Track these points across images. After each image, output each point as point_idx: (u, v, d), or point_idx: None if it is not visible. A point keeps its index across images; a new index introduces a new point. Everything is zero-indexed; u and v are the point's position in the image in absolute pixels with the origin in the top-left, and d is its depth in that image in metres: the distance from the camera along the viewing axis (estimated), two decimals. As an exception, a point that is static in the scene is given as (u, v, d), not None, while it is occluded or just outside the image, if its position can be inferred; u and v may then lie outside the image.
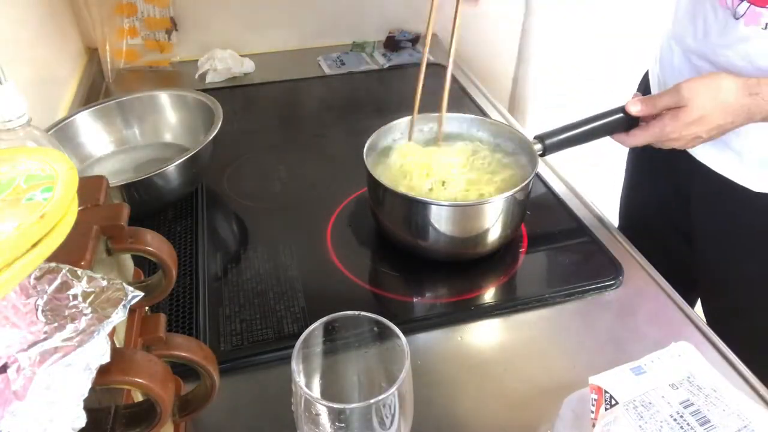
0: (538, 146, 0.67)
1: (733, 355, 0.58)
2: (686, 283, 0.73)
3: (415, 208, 0.63)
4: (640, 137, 0.65)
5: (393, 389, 0.37)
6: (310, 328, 0.40)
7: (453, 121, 0.75)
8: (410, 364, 0.39)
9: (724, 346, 0.59)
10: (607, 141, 0.69)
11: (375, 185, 0.65)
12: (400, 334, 0.40)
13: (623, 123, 0.66)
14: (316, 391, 0.43)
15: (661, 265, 0.69)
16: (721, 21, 0.64)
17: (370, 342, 0.43)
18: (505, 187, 0.67)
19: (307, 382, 0.42)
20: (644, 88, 0.85)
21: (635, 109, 0.65)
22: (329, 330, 0.42)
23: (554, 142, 0.67)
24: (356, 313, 0.42)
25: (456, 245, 0.65)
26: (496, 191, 0.66)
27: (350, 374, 0.46)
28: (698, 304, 0.85)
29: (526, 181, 0.63)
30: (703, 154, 0.71)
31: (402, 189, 0.65)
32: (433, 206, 0.62)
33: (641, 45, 1.47)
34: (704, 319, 0.62)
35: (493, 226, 0.64)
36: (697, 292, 0.85)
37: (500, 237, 0.66)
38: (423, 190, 0.66)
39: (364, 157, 0.66)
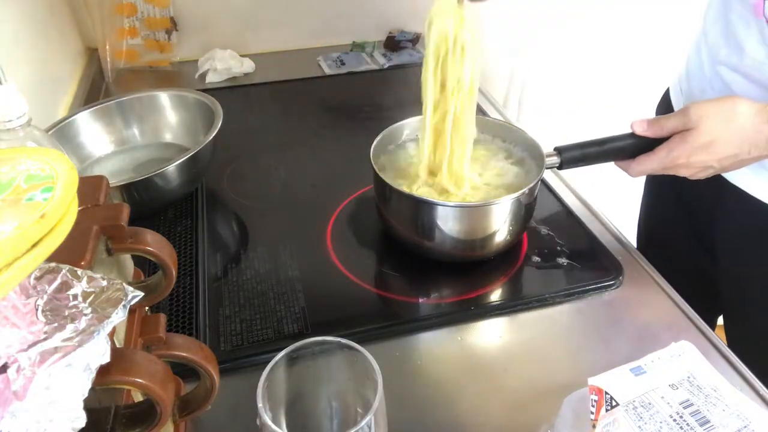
0: (554, 159, 0.66)
1: (733, 356, 0.57)
2: (708, 302, 0.70)
3: (421, 209, 0.63)
4: (646, 163, 0.61)
5: (368, 417, 0.35)
6: (274, 360, 0.39)
7: None
8: (383, 389, 0.37)
9: (724, 346, 0.59)
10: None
11: (381, 185, 0.65)
12: (371, 358, 0.39)
13: (646, 146, 0.62)
14: (285, 423, 0.41)
15: (683, 284, 0.66)
16: (755, 32, 0.60)
17: (341, 367, 0.41)
18: (511, 189, 0.66)
19: (275, 416, 0.40)
20: (665, 109, 0.81)
21: (640, 129, 0.61)
22: (294, 359, 0.40)
23: (572, 156, 0.66)
24: (322, 338, 0.40)
25: (461, 246, 0.65)
26: (503, 194, 0.65)
27: (323, 402, 0.45)
28: (690, 305, 0.85)
29: (533, 183, 0.63)
30: (734, 174, 0.66)
31: (404, 186, 0.64)
32: (439, 207, 0.62)
33: (647, 48, 1.47)
34: (704, 320, 0.62)
35: (499, 228, 0.64)
36: (717, 313, 0.81)
37: (506, 239, 0.66)
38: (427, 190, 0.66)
39: (371, 156, 0.66)
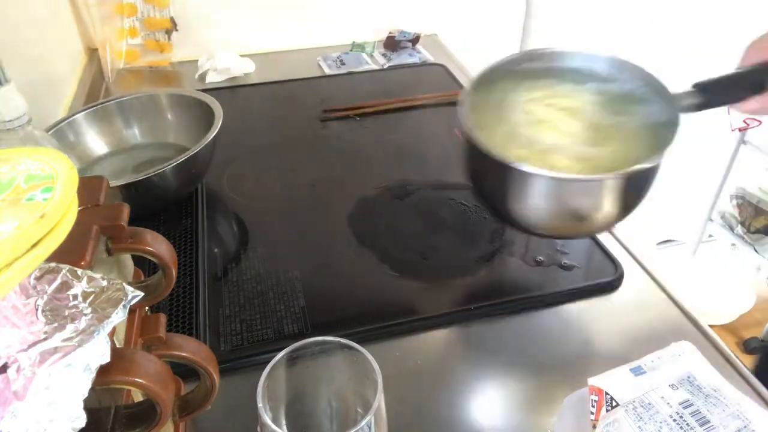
0: (692, 100, 0.53)
1: (733, 356, 0.58)
2: None
3: (514, 177, 0.52)
4: None
5: (368, 417, 0.35)
6: (274, 360, 0.39)
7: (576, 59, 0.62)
8: (383, 389, 0.37)
9: (724, 346, 0.59)
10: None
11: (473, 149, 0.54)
12: (371, 358, 0.39)
13: None
14: (285, 423, 0.41)
15: None
16: None
17: (341, 367, 0.41)
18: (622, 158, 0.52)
19: (275, 416, 0.40)
20: None
21: None
22: (294, 359, 0.40)
23: (717, 91, 0.54)
24: (322, 338, 0.40)
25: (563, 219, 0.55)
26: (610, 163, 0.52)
27: (323, 402, 0.45)
28: (690, 301, 0.85)
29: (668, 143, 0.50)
30: None
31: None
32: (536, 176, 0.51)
33: (646, 44, 1.47)
34: (704, 319, 0.62)
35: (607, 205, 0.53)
36: None
37: (617, 216, 0.55)
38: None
39: (464, 99, 0.56)
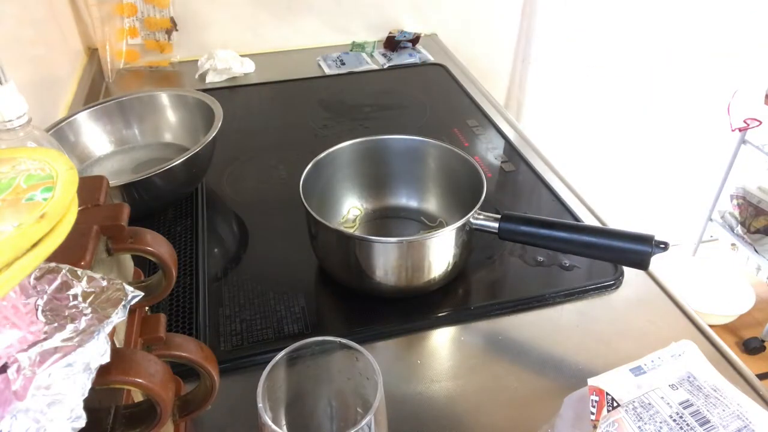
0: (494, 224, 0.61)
1: (734, 355, 0.58)
2: None
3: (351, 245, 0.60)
4: None
5: (368, 417, 0.35)
6: (274, 360, 0.39)
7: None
8: (383, 389, 0.37)
9: (725, 345, 0.59)
10: (610, 139, 0.68)
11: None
12: (371, 358, 0.39)
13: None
14: (285, 423, 0.41)
15: None
16: None
17: (341, 367, 0.41)
18: None
19: (275, 416, 0.40)
20: None
21: None
22: (294, 359, 0.40)
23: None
24: (322, 339, 0.40)
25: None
26: None
27: (323, 402, 0.45)
28: (690, 301, 0.85)
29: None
30: None
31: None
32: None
33: (645, 46, 1.48)
34: (704, 319, 0.62)
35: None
36: None
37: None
38: None
39: (301, 194, 0.62)
